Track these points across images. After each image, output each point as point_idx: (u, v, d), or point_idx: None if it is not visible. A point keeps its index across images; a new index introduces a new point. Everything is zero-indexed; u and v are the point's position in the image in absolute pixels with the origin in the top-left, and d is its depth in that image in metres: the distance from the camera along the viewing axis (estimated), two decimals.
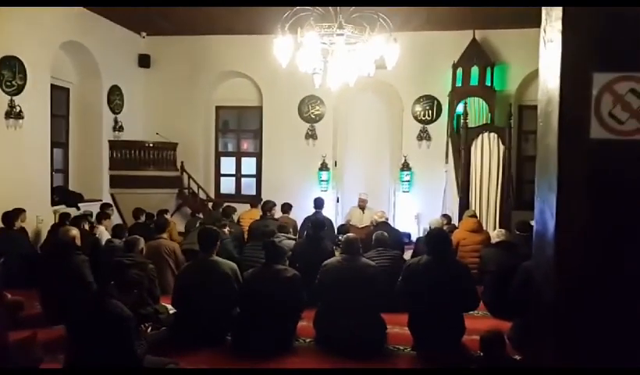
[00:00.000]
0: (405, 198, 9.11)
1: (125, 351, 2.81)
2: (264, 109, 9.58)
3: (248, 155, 10.20)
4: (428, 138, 9.03)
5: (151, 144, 8.86)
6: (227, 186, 10.22)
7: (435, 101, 8.98)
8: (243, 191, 10.08)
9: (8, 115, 6.61)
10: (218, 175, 10.23)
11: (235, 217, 7.27)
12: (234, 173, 10.20)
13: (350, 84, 5.70)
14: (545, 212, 1.73)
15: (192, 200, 9.27)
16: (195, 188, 9.36)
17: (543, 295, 1.77)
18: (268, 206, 7.00)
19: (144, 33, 9.44)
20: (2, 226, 5.92)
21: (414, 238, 8.14)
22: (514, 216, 6.91)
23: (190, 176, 9.34)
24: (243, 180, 10.18)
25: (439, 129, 8.90)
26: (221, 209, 7.28)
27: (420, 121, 9.08)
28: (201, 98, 9.72)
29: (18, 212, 6.09)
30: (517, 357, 3.29)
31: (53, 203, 7.44)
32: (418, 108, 9.07)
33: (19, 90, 6.76)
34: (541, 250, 1.78)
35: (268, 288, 3.87)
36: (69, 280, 4.22)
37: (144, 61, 9.51)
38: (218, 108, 10.08)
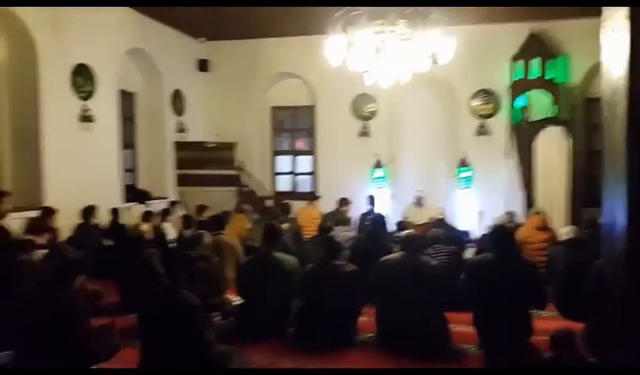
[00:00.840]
0: (465, 195, 8.90)
1: (196, 339, 2.96)
2: (317, 108, 9.71)
3: (303, 153, 10.38)
4: (488, 133, 8.77)
5: (212, 145, 9.24)
6: (283, 183, 10.46)
7: (494, 96, 8.71)
8: (299, 189, 10.27)
9: (81, 119, 7.13)
10: (275, 173, 10.49)
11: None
12: (290, 171, 10.42)
13: (404, 81, 5.65)
14: (614, 206, 1.68)
15: (250, 197, 9.57)
16: (253, 186, 9.66)
17: (613, 292, 1.72)
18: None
19: (202, 39, 9.83)
20: (81, 221, 6.40)
21: (473, 236, 7.95)
22: (584, 213, 6.56)
23: (249, 174, 9.64)
24: (298, 177, 10.38)
25: (499, 123, 8.63)
26: (280, 206, 7.49)
27: (478, 116, 8.84)
28: (257, 99, 10.00)
29: (92, 209, 6.54)
30: (590, 359, 3.16)
31: (125, 200, 7.94)
32: (476, 102, 8.84)
33: (90, 95, 7.23)
34: (610, 246, 1.73)
35: (328, 283, 3.94)
36: (140, 272, 4.52)
37: (203, 65, 9.91)
38: (273, 108, 10.33)
